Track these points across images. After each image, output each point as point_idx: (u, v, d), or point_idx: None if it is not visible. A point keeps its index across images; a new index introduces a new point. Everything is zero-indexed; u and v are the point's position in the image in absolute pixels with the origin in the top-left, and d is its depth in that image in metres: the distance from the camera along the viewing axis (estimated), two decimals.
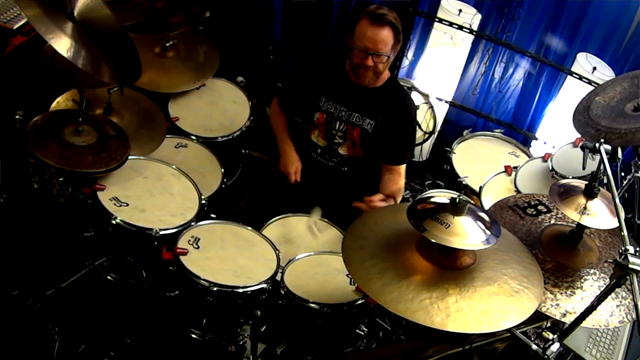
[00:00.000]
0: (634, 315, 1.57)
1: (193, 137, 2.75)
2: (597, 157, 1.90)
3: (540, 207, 2.04)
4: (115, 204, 2.26)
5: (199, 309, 2.16)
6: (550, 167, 2.61)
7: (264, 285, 2.12)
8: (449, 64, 3.39)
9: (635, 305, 1.41)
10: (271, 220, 2.46)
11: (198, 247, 2.19)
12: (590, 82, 2.99)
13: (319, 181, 2.65)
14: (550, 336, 1.86)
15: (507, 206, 2.06)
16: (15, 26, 2.49)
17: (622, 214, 1.62)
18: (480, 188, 2.70)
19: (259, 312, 2.01)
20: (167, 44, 2.85)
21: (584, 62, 3.04)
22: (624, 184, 2.27)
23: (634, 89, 2.19)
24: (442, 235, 1.60)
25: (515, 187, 2.64)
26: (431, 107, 3.43)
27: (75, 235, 2.36)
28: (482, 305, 1.58)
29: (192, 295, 2.15)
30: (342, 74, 2.52)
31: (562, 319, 1.72)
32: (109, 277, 2.38)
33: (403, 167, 2.58)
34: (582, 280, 1.80)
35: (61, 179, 2.35)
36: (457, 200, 1.64)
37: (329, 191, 2.63)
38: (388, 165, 2.56)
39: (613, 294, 1.62)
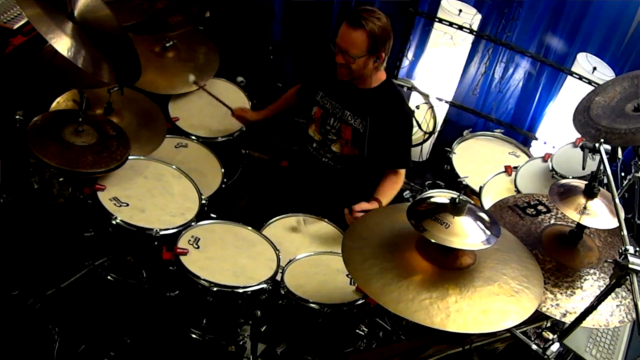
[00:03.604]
0: (634, 315, 1.57)
1: (193, 137, 2.75)
2: (597, 157, 1.90)
3: (540, 207, 2.04)
4: (115, 204, 2.26)
5: (199, 309, 2.16)
6: (550, 167, 2.61)
7: (264, 286, 2.12)
8: (449, 64, 3.39)
9: (635, 305, 1.41)
10: (271, 220, 2.46)
11: (198, 247, 2.19)
12: (590, 82, 2.99)
13: (314, 176, 2.66)
14: (550, 336, 1.86)
15: (507, 206, 2.06)
16: (15, 26, 2.49)
17: (622, 214, 1.62)
18: (480, 188, 2.70)
19: (259, 312, 2.01)
20: (167, 45, 2.85)
21: (584, 62, 3.04)
22: (624, 184, 2.28)
23: (634, 89, 2.19)
24: (442, 235, 1.59)
25: (515, 187, 2.63)
26: (431, 107, 3.43)
27: (75, 235, 2.37)
28: (482, 305, 1.58)
29: (192, 295, 2.15)
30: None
31: (562, 319, 1.72)
32: (109, 277, 2.38)
33: (402, 170, 2.56)
34: (582, 280, 1.80)
35: (61, 179, 2.35)
36: (457, 200, 1.64)
37: (323, 187, 2.63)
38: (390, 169, 2.54)
39: (613, 294, 1.62)
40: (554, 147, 3.05)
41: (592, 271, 1.83)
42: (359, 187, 2.57)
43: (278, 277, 2.17)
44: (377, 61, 2.40)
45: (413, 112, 2.66)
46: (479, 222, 1.64)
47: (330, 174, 2.63)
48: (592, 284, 1.80)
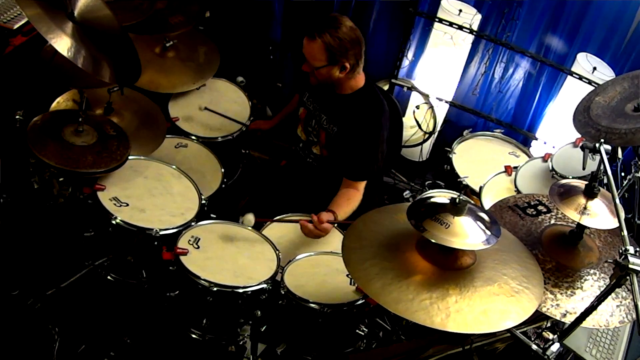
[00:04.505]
0: (634, 316, 1.57)
1: (193, 137, 2.75)
2: (597, 157, 1.90)
3: (540, 207, 2.04)
4: (115, 204, 2.26)
5: (199, 309, 2.16)
6: (550, 167, 2.61)
7: (264, 286, 2.12)
8: (449, 64, 3.39)
9: (636, 306, 1.41)
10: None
11: (198, 247, 2.19)
12: (590, 82, 2.99)
13: (301, 176, 2.66)
14: (550, 336, 1.86)
15: (507, 206, 2.06)
16: (15, 26, 2.49)
17: (622, 214, 1.62)
18: (480, 188, 2.70)
19: (259, 312, 2.01)
20: (168, 44, 2.85)
21: (584, 62, 3.04)
22: (624, 184, 2.28)
23: (634, 89, 2.20)
24: (442, 236, 1.59)
25: (516, 187, 2.64)
26: (431, 107, 3.43)
27: (75, 235, 2.36)
28: (482, 305, 1.58)
29: (192, 295, 2.15)
30: None
31: (562, 319, 1.72)
32: (109, 277, 2.38)
33: (361, 185, 2.46)
34: (582, 281, 1.80)
35: (61, 179, 2.35)
36: (457, 200, 1.64)
37: (308, 187, 2.63)
38: (345, 179, 2.47)
39: (613, 294, 1.62)
40: (554, 147, 3.05)
41: (592, 271, 1.83)
42: (333, 191, 2.52)
43: (278, 277, 2.17)
44: (344, 70, 2.35)
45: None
46: (479, 222, 1.65)
47: (313, 175, 2.63)
48: (592, 284, 1.80)
